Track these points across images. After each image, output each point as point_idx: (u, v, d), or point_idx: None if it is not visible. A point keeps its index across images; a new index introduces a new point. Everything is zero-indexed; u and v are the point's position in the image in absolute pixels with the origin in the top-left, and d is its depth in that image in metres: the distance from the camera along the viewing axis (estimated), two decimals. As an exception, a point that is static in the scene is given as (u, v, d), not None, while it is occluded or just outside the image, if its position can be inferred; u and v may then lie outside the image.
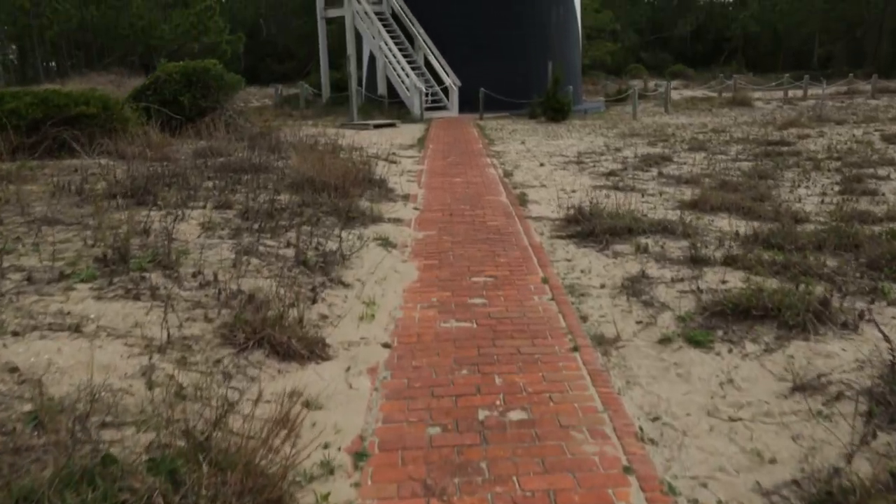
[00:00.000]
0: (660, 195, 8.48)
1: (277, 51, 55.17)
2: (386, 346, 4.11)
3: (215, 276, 4.48)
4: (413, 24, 23.45)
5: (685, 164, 11.07)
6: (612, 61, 43.61)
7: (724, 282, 4.95)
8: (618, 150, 13.03)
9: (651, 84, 37.19)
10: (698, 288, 4.80)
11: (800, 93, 31.53)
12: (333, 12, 25.43)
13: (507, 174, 10.15)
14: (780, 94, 32.21)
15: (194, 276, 4.49)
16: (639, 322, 4.41)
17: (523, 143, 14.48)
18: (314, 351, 3.79)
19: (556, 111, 19.82)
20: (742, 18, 57.68)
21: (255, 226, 5.83)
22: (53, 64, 45.37)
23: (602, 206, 7.15)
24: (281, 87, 30.18)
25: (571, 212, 7.06)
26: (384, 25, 23.49)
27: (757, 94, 30.50)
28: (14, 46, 44.74)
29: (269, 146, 10.39)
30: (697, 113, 23.68)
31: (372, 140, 15.31)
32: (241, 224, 5.95)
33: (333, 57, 30.15)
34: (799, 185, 9.06)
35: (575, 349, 4.04)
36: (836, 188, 8.82)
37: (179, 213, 5.87)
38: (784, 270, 5.06)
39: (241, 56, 50.18)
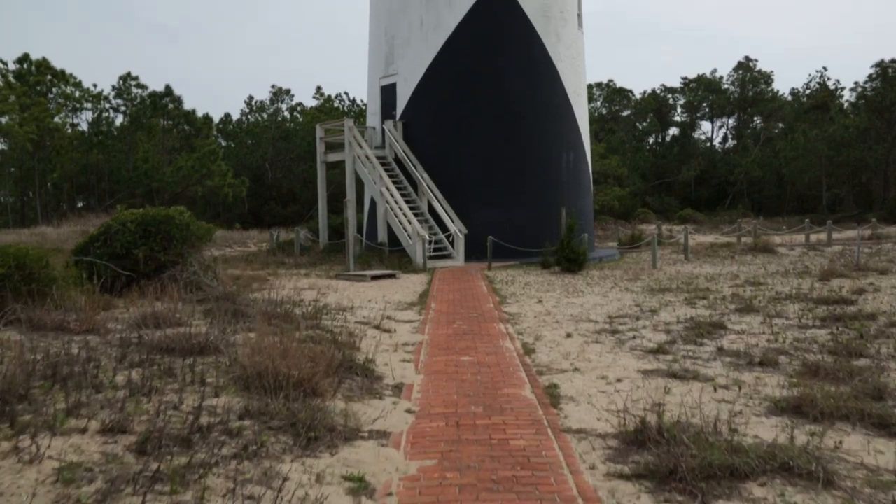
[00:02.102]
0: (737, 387, 6.36)
1: (281, 194, 55.19)
2: None
3: None
4: (416, 169, 22.37)
5: (743, 332, 9.03)
6: (620, 206, 42.91)
7: None
8: (653, 311, 11.04)
9: (664, 229, 35.99)
10: None
11: (818, 236, 30.24)
12: (334, 156, 24.52)
13: (528, 350, 8.08)
14: (799, 237, 30.97)
15: None
16: None
17: (540, 301, 12.53)
18: None
19: (571, 261, 18.09)
20: (745, 164, 58.03)
21: (152, 468, 3.71)
22: (64, 205, 45.05)
23: (674, 415, 5.03)
24: (278, 233, 28.90)
25: (630, 425, 4.93)
26: (386, 170, 22.41)
27: (778, 239, 29.08)
28: (15, 188, 44.44)
29: (233, 312, 8.42)
30: (720, 261, 21.99)
31: (367, 296, 13.42)
32: (132, 466, 3.83)
33: (334, 202, 29.18)
34: (909, 369, 6.94)
35: None
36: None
37: (35, 445, 3.77)
38: None
39: (244, 199, 49.93)
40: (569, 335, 8.98)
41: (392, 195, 21.17)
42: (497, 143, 22.34)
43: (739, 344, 8.29)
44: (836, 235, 30.03)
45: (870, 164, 48.91)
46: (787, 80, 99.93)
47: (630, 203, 45.56)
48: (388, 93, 24.25)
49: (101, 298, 8.18)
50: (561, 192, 23.07)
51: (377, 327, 9.36)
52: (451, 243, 21.01)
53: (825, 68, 71.46)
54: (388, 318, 10.32)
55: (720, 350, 7.94)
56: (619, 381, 6.62)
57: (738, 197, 59.91)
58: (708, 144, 68.56)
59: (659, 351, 7.91)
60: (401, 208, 20.76)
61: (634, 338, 8.81)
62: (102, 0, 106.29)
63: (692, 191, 60.58)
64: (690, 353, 7.79)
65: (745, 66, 65.93)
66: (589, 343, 8.49)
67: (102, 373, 5.58)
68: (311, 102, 59.31)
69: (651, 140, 69.23)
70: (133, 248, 9.42)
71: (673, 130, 68.66)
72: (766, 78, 65.92)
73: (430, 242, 20.12)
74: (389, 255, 20.56)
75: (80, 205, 47.27)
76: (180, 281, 9.24)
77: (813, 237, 29.91)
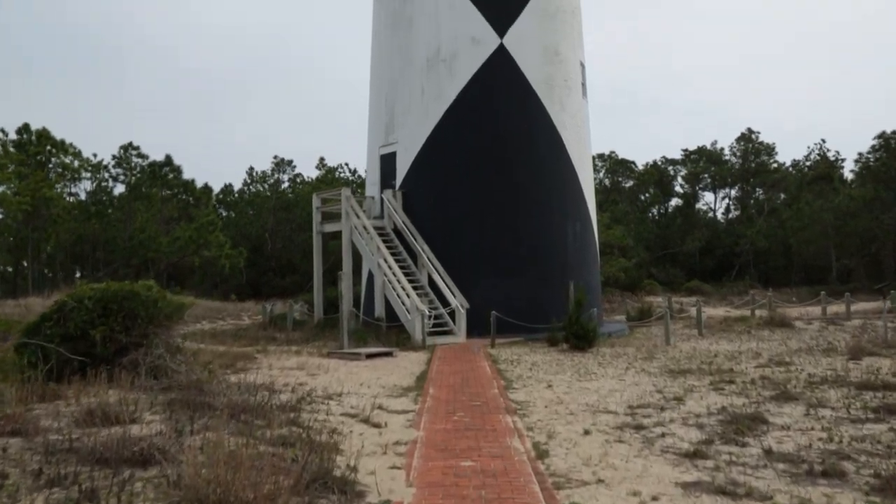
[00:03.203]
0: (803, 510, 5.14)
1: (281, 265, 54.32)
2: None
3: None
4: (416, 240, 21.46)
5: (788, 428, 7.81)
6: (625, 278, 41.85)
7: None
8: (678, 399, 9.82)
9: (672, 301, 34.85)
10: None
11: (835, 308, 29.07)
12: (331, 227, 23.67)
13: (541, 452, 6.85)
14: (813, 309, 29.79)
15: None
16: None
17: (550, 385, 11.32)
18: None
19: (580, 338, 16.91)
20: (750, 235, 57.31)
21: None
22: (58, 275, 44.10)
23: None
24: (272, 305, 27.83)
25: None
26: (385, 241, 21.49)
27: (794, 313, 27.88)
28: (10, 258, 43.60)
29: (197, 405, 7.25)
30: (736, 336, 20.78)
31: (359, 378, 12.22)
32: None
33: (332, 274, 28.19)
34: None
35: None
36: None
37: None
38: None
39: (242, 270, 49.01)
40: (586, 432, 7.76)
41: (390, 267, 20.17)
42: (500, 213, 21.51)
43: (788, 444, 7.08)
44: (853, 308, 28.84)
45: (878, 234, 48.10)
46: (787, 151, 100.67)
47: (635, 275, 44.53)
48: (388, 162, 23.60)
49: (44, 389, 7.04)
50: (567, 264, 22.07)
51: (366, 420, 8.16)
52: (452, 318, 19.87)
53: (823, 140, 71.85)
54: (380, 407, 9.11)
55: (768, 453, 6.71)
56: (654, 499, 5.40)
57: (745, 268, 58.97)
58: (711, 215, 68.10)
59: (696, 455, 6.68)
60: (399, 281, 19.73)
61: (663, 435, 7.58)
62: (107, 70, 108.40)
63: (697, 262, 59.69)
64: (734, 458, 6.56)
65: (746, 137, 66.12)
66: (611, 442, 7.27)
67: (6, 494, 4.41)
68: (313, 173, 59.08)
69: (654, 211, 68.85)
70: (90, 329, 8.33)
71: (675, 201, 68.40)
72: (769, 149, 65.99)
73: (429, 317, 18.99)
74: (387, 331, 19.40)
75: (77, 275, 46.41)
76: (143, 366, 8.12)
77: (829, 309, 28.73)
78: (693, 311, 30.41)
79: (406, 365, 14.32)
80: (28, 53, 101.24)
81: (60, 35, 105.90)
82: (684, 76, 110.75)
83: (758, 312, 28.15)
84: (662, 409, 9.14)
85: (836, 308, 29.52)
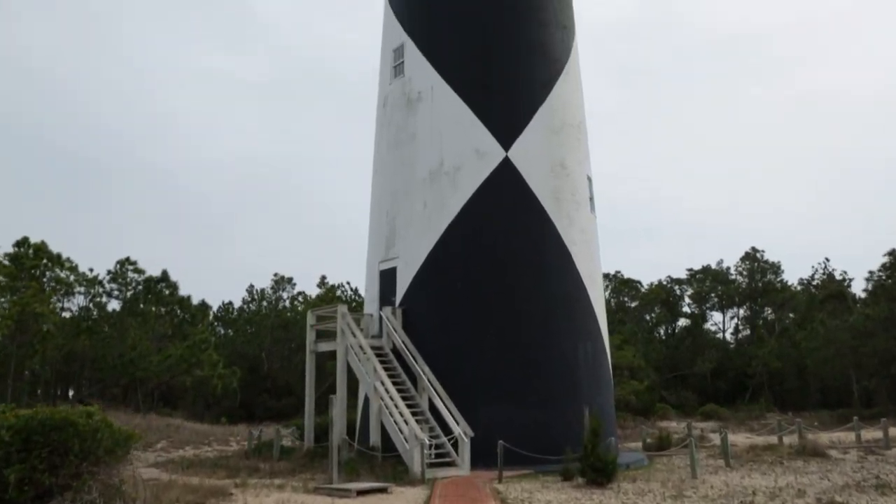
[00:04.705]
0: None
1: (277, 386, 52.28)
2: None
3: None
4: (416, 361, 19.99)
5: None
6: (637, 401, 39.84)
7: None
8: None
9: (690, 426, 32.75)
10: None
11: (867, 434, 27.07)
12: (325, 346, 22.24)
13: None
14: (842, 434, 27.77)
15: None
16: None
17: (571, 535, 9.58)
18: None
19: (598, 471, 15.11)
20: (762, 355, 55.63)
21: None
22: (39, 393, 42.10)
23: None
24: (259, 431, 25.90)
25: None
26: (382, 362, 20.03)
27: (826, 440, 25.86)
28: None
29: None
30: (769, 468, 18.85)
31: (346, 523, 10.48)
32: None
33: (326, 397, 26.43)
34: None
35: None
36: None
37: None
38: None
39: (236, 390, 46.96)
40: None
41: (387, 391, 18.59)
42: (506, 331, 20.18)
43: None
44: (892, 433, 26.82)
45: (896, 353, 46.37)
46: (791, 268, 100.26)
47: (647, 398, 42.49)
48: (388, 277, 22.52)
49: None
50: (580, 387, 20.49)
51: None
52: (455, 447, 18.05)
53: (827, 259, 71.38)
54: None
55: None
56: None
57: (758, 390, 56.83)
58: (720, 335, 66.59)
59: None
60: (396, 406, 18.10)
61: None
62: (108, 190, 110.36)
63: (709, 384, 57.65)
64: None
65: (751, 256, 65.70)
66: None
67: None
68: (314, 291, 58.11)
69: (661, 331, 67.45)
70: (4, 467, 6.81)
71: (683, 321, 67.10)
72: (775, 268, 65.38)
73: (429, 447, 17.22)
74: (382, 462, 17.54)
75: (67, 393, 44.42)
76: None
77: (862, 436, 26.71)
78: (714, 437, 28.38)
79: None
80: (32, 174, 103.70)
81: (64, 157, 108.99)
82: (682, 197, 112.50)
83: (785, 439, 26.12)
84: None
85: (869, 434, 27.53)
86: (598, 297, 22.63)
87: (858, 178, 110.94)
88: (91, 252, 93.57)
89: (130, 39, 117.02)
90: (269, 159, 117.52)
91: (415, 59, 22.87)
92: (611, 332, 51.35)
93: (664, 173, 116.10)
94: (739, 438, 29.84)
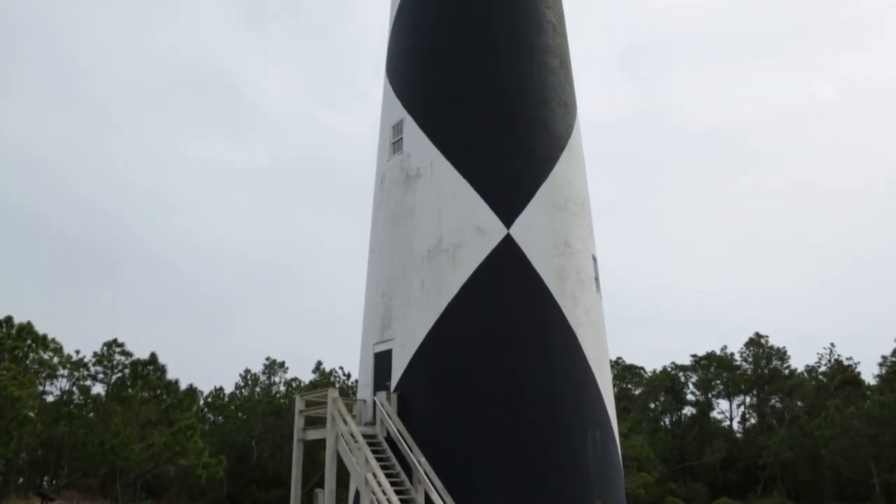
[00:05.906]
0: None
1: (266, 476, 49.69)
2: None
3: None
4: (412, 451, 18.51)
5: None
6: (646, 494, 37.63)
7: None
8: None
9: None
10: None
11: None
12: (314, 433, 20.73)
13: None
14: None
15: None
16: None
17: None
18: None
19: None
20: (773, 445, 53.33)
21: None
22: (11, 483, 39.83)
23: None
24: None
25: None
26: (375, 451, 18.56)
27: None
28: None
29: None
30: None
31: None
32: None
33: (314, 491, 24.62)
34: None
35: None
36: None
37: None
38: None
39: (221, 480, 44.57)
40: None
41: (380, 484, 17.04)
42: (509, 421, 18.82)
43: None
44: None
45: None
46: (798, 355, 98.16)
47: (656, 491, 40.20)
48: (383, 360, 21.27)
49: None
50: (588, 478, 18.95)
51: None
52: (454, 549, 16.37)
53: (833, 344, 69.95)
54: None
55: None
56: None
57: (770, 482, 54.20)
58: (727, 424, 64.26)
59: None
60: (389, 501, 16.52)
61: None
62: (100, 272, 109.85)
63: (719, 475, 55.04)
64: None
65: (756, 342, 64.21)
66: None
67: None
68: (309, 377, 56.27)
69: (667, 420, 65.16)
70: None
71: (688, 409, 64.92)
72: (780, 354, 63.79)
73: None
74: (373, 567, 15.86)
75: (43, 482, 42.10)
76: None
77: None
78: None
79: None
80: (25, 256, 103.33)
81: (59, 240, 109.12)
82: (679, 284, 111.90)
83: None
84: None
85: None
86: (605, 383, 21.33)
87: (860, 265, 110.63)
88: (81, 335, 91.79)
89: (129, 126, 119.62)
90: (266, 246, 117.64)
91: (414, 134, 22.43)
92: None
93: (661, 259, 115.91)
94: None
